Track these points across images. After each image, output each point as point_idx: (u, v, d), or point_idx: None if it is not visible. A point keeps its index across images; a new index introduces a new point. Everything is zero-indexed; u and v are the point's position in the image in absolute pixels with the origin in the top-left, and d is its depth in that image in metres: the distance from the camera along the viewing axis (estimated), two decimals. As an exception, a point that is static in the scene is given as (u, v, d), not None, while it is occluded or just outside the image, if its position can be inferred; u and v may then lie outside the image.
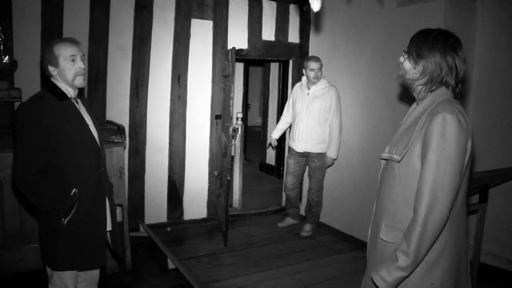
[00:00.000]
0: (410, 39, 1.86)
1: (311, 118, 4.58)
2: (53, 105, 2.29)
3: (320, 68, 4.56)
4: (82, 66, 2.39)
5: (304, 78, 4.71)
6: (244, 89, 8.40)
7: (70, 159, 2.34)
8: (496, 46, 3.95)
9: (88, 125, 2.44)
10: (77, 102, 2.45)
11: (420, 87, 1.83)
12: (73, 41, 2.41)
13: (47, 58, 2.34)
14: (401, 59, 1.88)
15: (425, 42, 1.79)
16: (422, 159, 1.69)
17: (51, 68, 2.35)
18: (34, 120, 2.21)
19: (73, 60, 2.35)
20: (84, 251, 2.42)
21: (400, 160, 1.77)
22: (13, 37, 3.84)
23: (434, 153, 1.64)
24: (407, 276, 1.71)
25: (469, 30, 4.01)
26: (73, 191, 2.33)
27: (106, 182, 2.57)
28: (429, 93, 1.81)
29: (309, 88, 4.65)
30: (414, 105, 1.95)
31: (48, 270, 2.43)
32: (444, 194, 1.63)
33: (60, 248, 2.33)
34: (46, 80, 2.41)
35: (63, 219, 2.32)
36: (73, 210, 2.34)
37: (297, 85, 4.86)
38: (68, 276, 2.40)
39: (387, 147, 1.89)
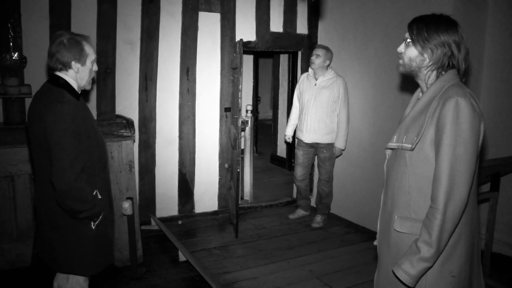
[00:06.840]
0: (408, 26, 1.83)
1: (319, 108, 4.56)
2: (75, 104, 2.18)
3: (319, 55, 4.53)
4: (97, 69, 2.35)
5: (311, 69, 4.69)
6: (254, 82, 8.37)
7: (92, 160, 2.25)
8: (507, 32, 3.87)
9: (95, 122, 2.41)
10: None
11: (429, 73, 1.78)
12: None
13: (75, 54, 2.20)
14: (401, 48, 1.84)
15: (427, 25, 1.76)
16: (436, 145, 1.66)
17: (77, 65, 2.22)
18: (69, 121, 2.09)
19: (94, 63, 2.31)
20: (106, 250, 2.39)
21: (413, 148, 1.73)
22: (22, 34, 3.87)
23: (449, 138, 1.61)
24: (431, 267, 1.67)
25: (479, 17, 3.94)
26: (95, 192, 2.25)
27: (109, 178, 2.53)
28: (436, 78, 1.78)
29: (316, 79, 4.63)
30: (418, 92, 1.92)
31: (61, 276, 2.33)
32: (462, 180, 1.61)
33: (89, 252, 2.27)
34: (58, 78, 2.23)
35: (92, 223, 2.24)
36: (102, 214, 2.27)
37: (304, 75, 4.83)
38: (85, 278, 2.37)
39: (395, 136, 1.85)
